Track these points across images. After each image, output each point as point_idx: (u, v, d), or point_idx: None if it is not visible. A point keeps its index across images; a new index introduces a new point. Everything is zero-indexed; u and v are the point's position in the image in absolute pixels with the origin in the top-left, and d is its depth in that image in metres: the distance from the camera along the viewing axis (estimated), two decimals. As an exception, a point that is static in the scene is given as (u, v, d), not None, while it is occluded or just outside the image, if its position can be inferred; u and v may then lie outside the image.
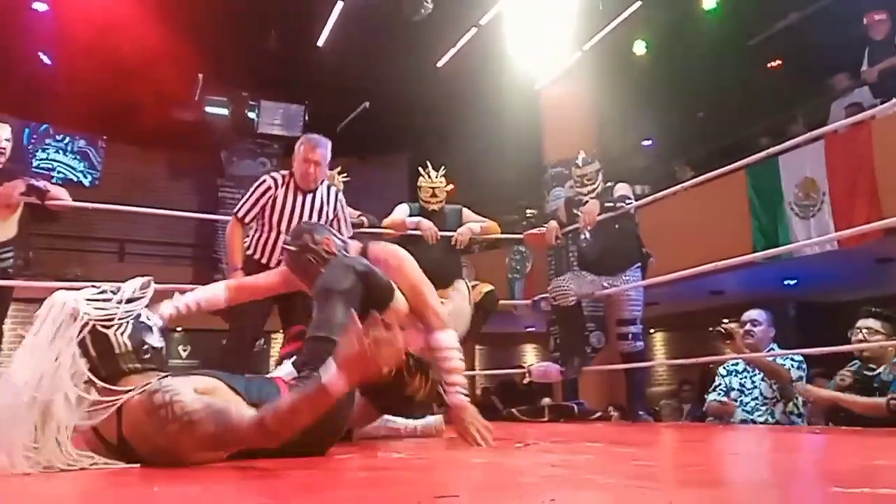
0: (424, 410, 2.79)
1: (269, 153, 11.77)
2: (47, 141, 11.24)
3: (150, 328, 1.78)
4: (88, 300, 1.70)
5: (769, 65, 10.21)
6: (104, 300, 1.72)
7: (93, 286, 1.79)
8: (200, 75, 10.46)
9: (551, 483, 1.44)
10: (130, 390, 1.65)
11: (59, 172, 11.06)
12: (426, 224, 4.29)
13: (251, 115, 11.22)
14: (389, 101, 10.67)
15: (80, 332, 1.65)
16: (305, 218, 3.63)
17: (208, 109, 10.99)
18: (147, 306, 1.82)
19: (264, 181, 3.72)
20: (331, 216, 3.72)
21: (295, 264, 2.46)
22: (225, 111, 11.15)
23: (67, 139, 11.38)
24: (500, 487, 1.41)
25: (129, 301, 1.76)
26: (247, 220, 3.72)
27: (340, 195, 3.85)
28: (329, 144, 3.69)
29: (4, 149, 3.64)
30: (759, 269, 7.01)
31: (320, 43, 9.33)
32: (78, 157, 11.48)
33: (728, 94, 9.67)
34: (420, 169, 4.55)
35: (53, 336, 1.62)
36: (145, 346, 1.73)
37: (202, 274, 10.98)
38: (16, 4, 8.38)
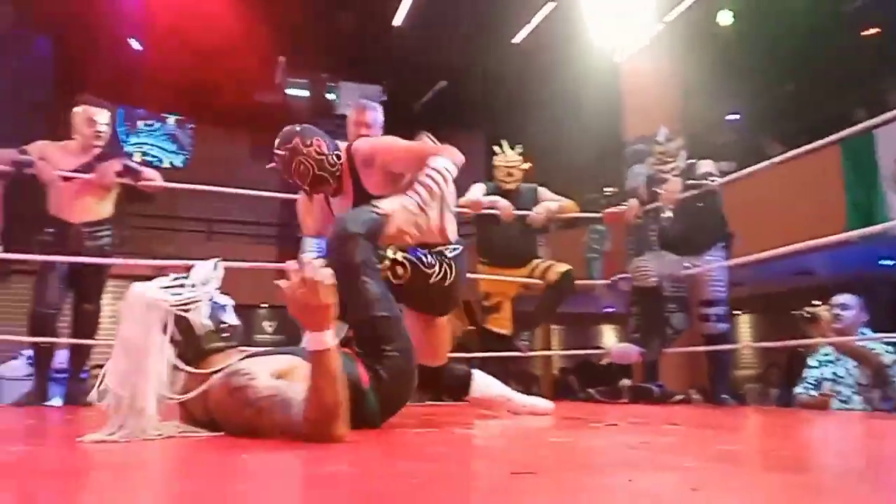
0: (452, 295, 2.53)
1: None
2: (139, 124, 11.76)
3: (223, 307, 1.84)
4: (164, 288, 1.76)
5: (864, 32, 9.62)
6: (178, 286, 1.78)
7: (165, 276, 1.84)
8: (282, 58, 10.71)
9: (628, 464, 1.43)
10: (215, 371, 1.73)
11: (150, 155, 11.58)
12: (503, 203, 4.28)
13: (330, 96, 11.42)
14: (467, 79, 10.65)
15: (164, 320, 1.72)
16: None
17: (289, 91, 11.26)
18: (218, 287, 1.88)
19: None
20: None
21: (287, 169, 2.39)
22: (305, 92, 11.40)
23: (157, 123, 11.88)
24: (576, 466, 1.41)
25: (201, 284, 1.82)
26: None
27: None
28: (379, 108, 3.62)
29: (102, 133, 3.83)
30: (853, 249, 6.67)
31: (397, 22, 9.37)
32: (168, 139, 11.96)
33: (820, 65, 9.18)
34: (496, 147, 4.52)
35: (140, 329, 1.69)
36: (223, 325, 1.79)
37: (286, 253, 11.28)
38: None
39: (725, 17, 8.83)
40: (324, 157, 2.37)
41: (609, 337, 13.52)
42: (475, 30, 9.37)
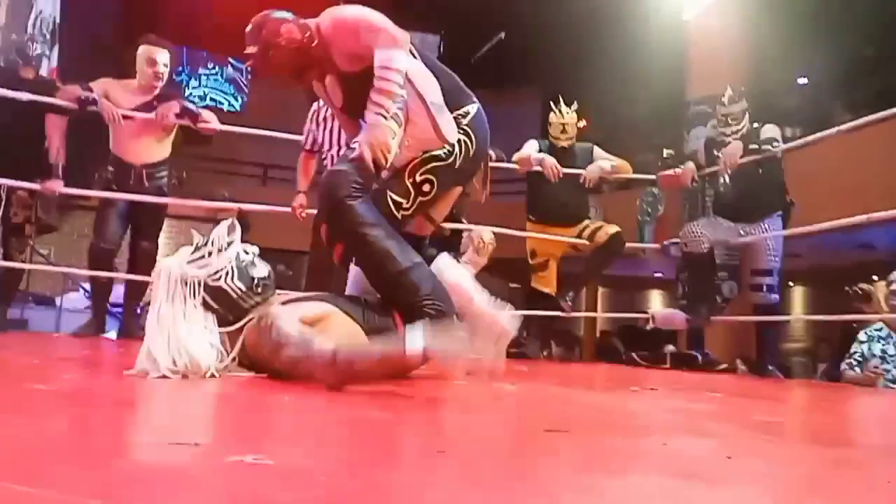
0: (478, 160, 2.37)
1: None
2: (199, 69, 11.91)
3: (252, 263, 1.84)
4: (190, 262, 1.77)
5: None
6: (204, 256, 1.79)
7: (186, 246, 1.84)
8: (341, 3, 10.64)
9: (664, 427, 1.43)
10: (250, 319, 1.78)
11: (210, 99, 11.74)
12: (548, 161, 4.22)
13: (388, 42, 11.35)
14: (526, 32, 10.43)
15: (197, 294, 1.74)
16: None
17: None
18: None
19: (312, 108, 3.94)
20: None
21: (264, 66, 2.23)
22: (365, 40, 11.36)
23: (217, 66, 12.00)
24: (610, 426, 1.41)
25: (224, 249, 1.82)
26: (307, 147, 3.96)
27: None
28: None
29: (162, 73, 3.89)
30: (921, 225, 6.41)
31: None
32: (228, 83, 12.09)
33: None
34: (551, 104, 4.45)
35: (177, 304, 1.72)
36: (255, 281, 1.81)
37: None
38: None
39: (801, -25, 8.41)
40: (299, 43, 2.18)
41: (656, 302, 13.37)
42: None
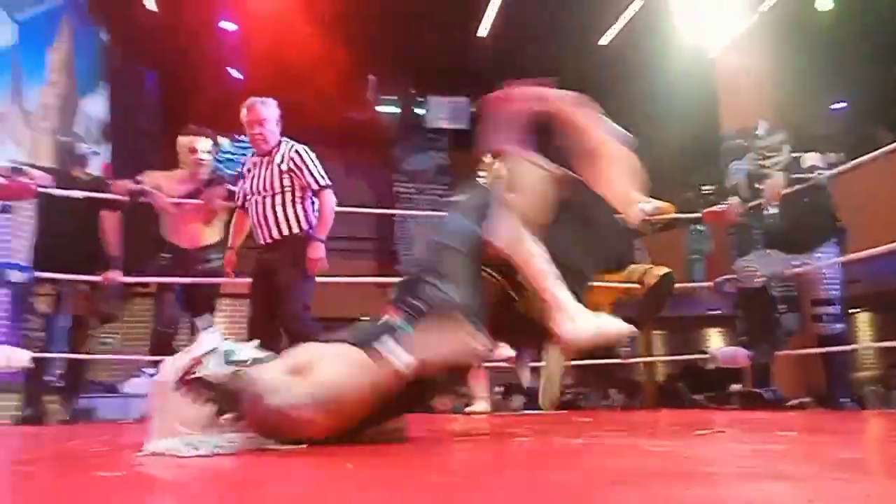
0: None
1: (438, 147, 12.10)
2: (235, 149, 12.32)
3: (233, 351, 1.78)
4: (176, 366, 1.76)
5: None
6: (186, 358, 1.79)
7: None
8: (372, 76, 10.97)
9: (739, 473, 1.38)
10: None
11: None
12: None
13: (419, 110, 11.61)
14: (555, 83, 10.57)
15: (183, 390, 1.71)
16: (263, 181, 3.66)
17: (380, 108, 11.53)
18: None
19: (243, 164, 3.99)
20: (286, 169, 3.68)
21: None
22: (396, 109, 11.65)
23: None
24: (681, 475, 1.37)
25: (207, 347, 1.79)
26: (239, 204, 3.91)
27: (300, 147, 3.76)
28: (269, 102, 3.71)
29: (203, 160, 4.05)
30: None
31: (482, 33, 9.43)
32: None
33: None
34: None
35: (173, 408, 1.71)
36: (240, 362, 1.75)
37: (383, 266, 11.53)
38: (209, 25, 9.26)
39: (825, 2, 8.39)
40: None
41: (715, 340, 13.03)
42: (560, 34, 9.29)
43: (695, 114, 9.11)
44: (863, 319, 10.87)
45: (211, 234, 4.08)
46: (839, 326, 3.85)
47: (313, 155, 3.83)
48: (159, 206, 3.85)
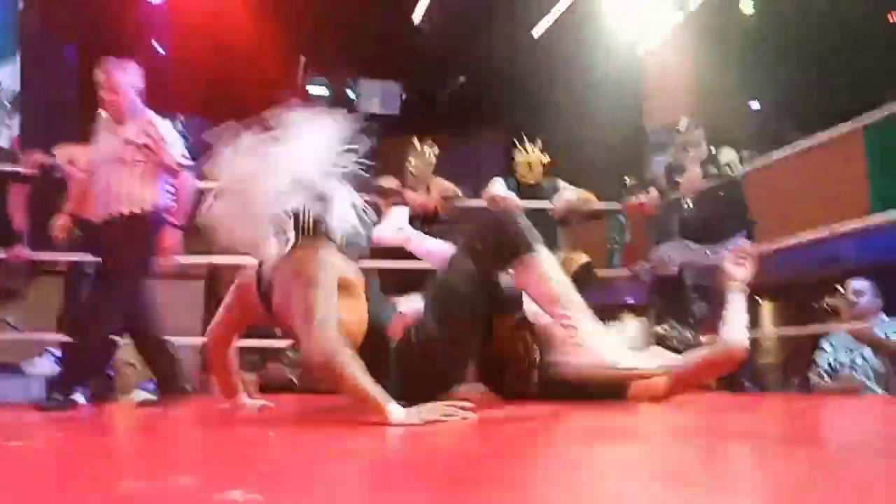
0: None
1: (368, 131, 11.99)
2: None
3: None
4: None
5: (890, 16, 9.47)
6: None
7: None
8: (302, 57, 10.80)
9: (646, 438, 1.45)
10: None
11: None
12: (511, 203, 4.29)
13: (351, 93, 11.50)
14: (486, 75, 10.65)
15: None
16: (114, 151, 3.31)
17: (310, 89, 11.37)
18: None
19: None
20: (141, 142, 3.32)
21: None
22: (325, 91, 11.50)
23: (178, 125, 12.06)
24: (601, 438, 1.43)
25: None
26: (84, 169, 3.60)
27: (160, 121, 3.42)
28: (129, 66, 3.38)
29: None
30: (879, 235, 6.58)
31: (417, 19, 9.41)
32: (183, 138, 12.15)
33: (846, 51, 9.05)
34: (516, 142, 4.55)
35: None
36: None
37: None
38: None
39: (748, 5, 8.74)
40: None
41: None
42: (494, 25, 9.37)
43: (622, 108, 9.35)
44: (768, 308, 11.42)
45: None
46: (746, 314, 4.05)
47: (175, 131, 3.58)
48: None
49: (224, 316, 2.29)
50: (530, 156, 4.46)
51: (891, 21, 9.47)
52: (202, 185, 3.29)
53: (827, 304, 3.80)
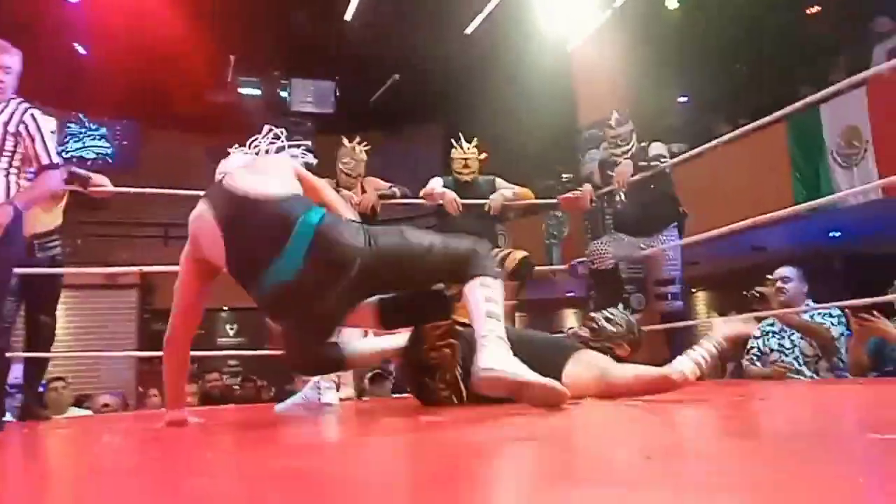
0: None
1: (302, 131, 11.84)
2: (81, 130, 11.53)
3: None
4: None
5: (808, 11, 9.88)
6: None
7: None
8: (232, 57, 10.58)
9: (586, 436, 1.46)
10: None
11: (92, 153, 11.37)
12: (448, 196, 4.32)
13: (283, 93, 11.32)
14: (420, 72, 10.64)
15: None
16: None
17: (241, 90, 11.13)
18: None
19: None
20: (13, 131, 3.06)
21: None
22: (257, 91, 11.29)
23: (103, 127, 11.67)
24: (540, 439, 1.44)
25: None
26: None
27: (37, 113, 3.18)
28: (14, 50, 3.14)
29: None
30: (803, 223, 6.87)
31: (348, 17, 9.32)
32: (110, 141, 11.74)
33: (767, 45, 9.40)
34: (452, 141, 4.56)
35: None
36: None
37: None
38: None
39: (673, 2, 8.97)
40: None
41: (571, 321, 13.67)
42: (426, 22, 9.37)
43: (555, 104, 9.48)
44: (701, 298, 11.78)
45: (50, 220, 3.77)
46: (679, 304, 4.16)
47: (51, 126, 3.37)
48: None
49: (185, 295, 2.29)
50: (466, 153, 4.47)
51: (808, 13, 9.88)
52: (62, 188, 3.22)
53: (755, 292, 3.92)
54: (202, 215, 2.20)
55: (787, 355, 3.76)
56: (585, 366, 2.43)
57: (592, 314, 2.92)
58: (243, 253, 2.11)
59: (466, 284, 2.11)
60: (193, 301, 2.32)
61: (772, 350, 3.82)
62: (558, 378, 2.34)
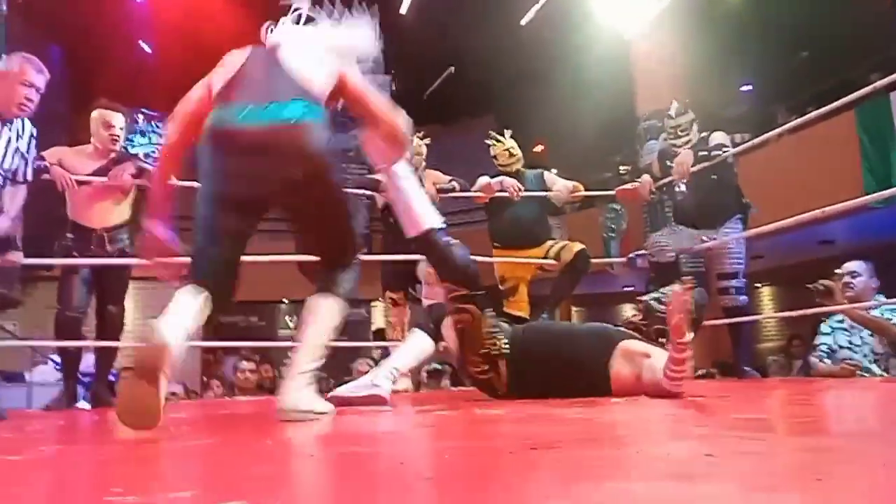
0: None
1: (359, 124, 11.94)
2: (146, 125, 11.89)
3: None
4: None
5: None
6: None
7: None
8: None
9: (645, 433, 1.44)
10: None
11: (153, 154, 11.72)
12: (508, 181, 4.30)
13: (340, 87, 11.44)
14: (475, 65, 10.62)
15: None
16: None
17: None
18: None
19: None
20: (24, 149, 3.15)
21: None
22: (314, 85, 11.46)
23: (158, 122, 12.02)
24: (596, 438, 1.43)
25: None
26: None
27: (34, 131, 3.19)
28: (44, 69, 3.18)
29: (118, 136, 3.88)
30: (873, 215, 6.60)
31: (403, 11, 9.36)
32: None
33: (833, 31, 9.04)
34: (487, 140, 4.57)
35: None
36: None
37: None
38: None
39: (733, -12, 8.74)
40: None
41: (629, 315, 13.48)
42: (481, 14, 9.34)
43: (612, 95, 9.33)
44: (766, 293, 11.45)
45: (120, 213, 3.90)
46: (743, 298, 4.03)
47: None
48: (61, 183, 3.65)
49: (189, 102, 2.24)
50: (507, 143, 4.47)
51: (874, 1, 9.46)
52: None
53: (820, 285, 3.77)
54: (241, 52, 2.25)
55: (856, 352, 3.63)
56: (628, 362, 2.45)
57: (642, 297, 2.89)
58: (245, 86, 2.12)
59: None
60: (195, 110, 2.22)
61: (841, 347, 3.70)
62: (606, 377, 2.36)
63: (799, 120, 4.15)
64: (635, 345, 2.53)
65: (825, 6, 8.78)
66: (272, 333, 11.47)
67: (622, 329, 2.71)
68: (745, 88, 11.21)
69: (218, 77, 2.19)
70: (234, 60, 2.21)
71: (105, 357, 3.94)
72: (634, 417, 1.89)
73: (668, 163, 4.19)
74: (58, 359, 4.61)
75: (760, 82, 10.79)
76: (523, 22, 9.49)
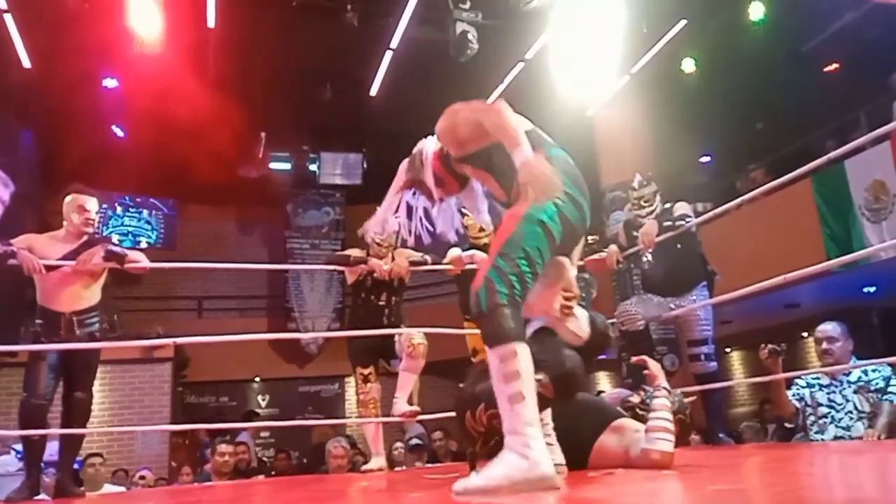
0: None
1: (332, 202, 12.06)
2: (120, 209, 11.85)
3: None
4: None
5: (826, 69, 9.96)
6: None
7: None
8: (263, 133, 10.89)
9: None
10: None
11: (133, 237, 11.63)
12: (479, 255, 4.34)
13: (312, 167, 11.58)
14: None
15: None
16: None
17: (272, 165, 11.42)
18: None
19: None
20: None
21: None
22: (288, 165, 11.57)
23: (141, 206, 11.98)
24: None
25: None
26: None
27: None
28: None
29: (92, 220, 3.88)
30: (835, 279, 6.77)
31: (373, 92, 9.59)
32: (151, 221, 12.03)
33: (786, 103, 9.46)
34: (460, 210, 4.62)
35: None
36: None
37: (276, 323, 11.27)
38: (89, 82, 8.95)
39: (689, 65, 9.12)
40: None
41: (603, 383, 13.44)
42: (449, 94, 9.52)
43: (578, 169, 9.56)
44: (736, 357, 11.54)
45: (89, 297, 3.86)
46: (713, 365, 4.08)
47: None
48: (28, 268, 3.61)
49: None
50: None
51: (826, 72, 9.95)
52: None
53: (770, 348, 3.75)
54: None
55: (838, 410, 3.65)
56: (618, 437, 2.48)
57: (645, 387, 2.92)
58: None
59: None
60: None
61: (819, 404, 3.69)
62: (590, 445, 2.37)
63: (757, 190, 4.29)
64: (629, 422, 2.59)
65: (778, 76, 9.21)
66: (243, 412, 11.23)
67: (621, 410, 2.79)
68: (704, 159, 11.58)
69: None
70: None
71: (70, 445, 3.82)
72: (612, 492, 1.88)
73: (634, 233, 4.30)
74: (20, 448, 4.46)
75: (719, 152, 11.17)
76: (490, 100, 9.77)
